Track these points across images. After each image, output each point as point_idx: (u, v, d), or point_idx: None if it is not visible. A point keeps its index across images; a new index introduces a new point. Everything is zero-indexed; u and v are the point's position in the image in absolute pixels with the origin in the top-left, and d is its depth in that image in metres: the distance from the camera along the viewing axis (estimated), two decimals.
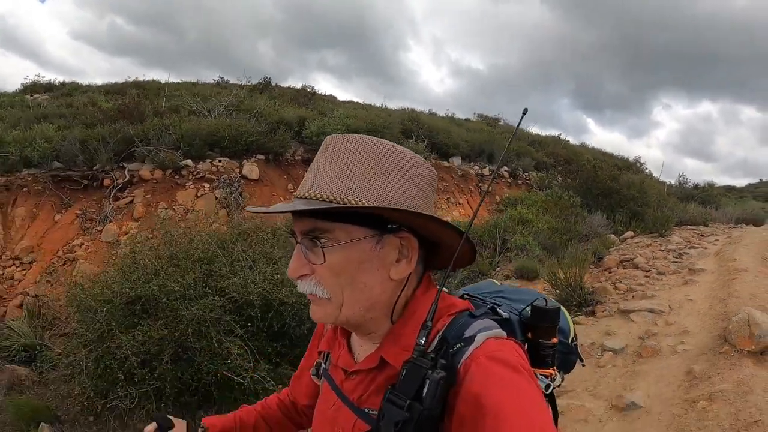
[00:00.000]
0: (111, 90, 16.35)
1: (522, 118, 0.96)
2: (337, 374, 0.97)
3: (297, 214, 0.82)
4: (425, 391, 0.73)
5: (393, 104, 16.39)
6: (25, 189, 9.06)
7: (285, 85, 18.68)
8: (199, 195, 8.54)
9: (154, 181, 8.68)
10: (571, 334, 1.08)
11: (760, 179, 45.87)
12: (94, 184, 9.05)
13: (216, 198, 8.47)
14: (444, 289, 0.89)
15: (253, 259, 4.71)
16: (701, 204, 13.78)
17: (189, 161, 8.89)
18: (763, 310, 4.01)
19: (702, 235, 9.43)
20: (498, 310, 0.93)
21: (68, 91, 16.59)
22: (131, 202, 8.52)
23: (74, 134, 9.52)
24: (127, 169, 8.93)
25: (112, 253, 7.04)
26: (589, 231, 9.12)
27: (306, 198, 0.80)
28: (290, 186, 9.48)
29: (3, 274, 7.96)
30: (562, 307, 1.00)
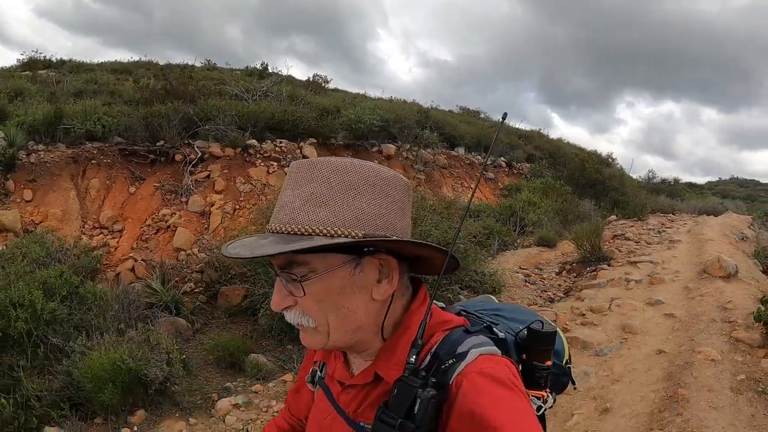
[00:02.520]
0: (117, 69, 18.15)
1: (502, 122, 1.13)
2: (333, 385, 1.05)
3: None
4: (416, 409, 0.80)
5: (360, 92, 18.98)
6: (93, 161, 10.89)
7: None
8: (269, 172, 10.79)
9: (227, 158, 10.86)
10: (566, 357, 1.18)
11: (719, 178, 53.38)
12: (162, 159, 11.09)
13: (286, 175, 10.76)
14: (440, 304, 1.04)
15: None
16: (669, 196, 17.38)
17: (254, 141, 11.15)
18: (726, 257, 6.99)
19: (672, 221, 12.72)
20: (494, 329, 1.01)
21: (70, 68, 18.10)
22: (208, 176, 10.62)
23: (139, 111, 11.55)
24: (195, 146, 11.10)
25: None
26: (582, 214, 12.13)
27: (278, 232, 0.86)
28: (351, 155, 11.91)
29: (94, 241, 9.74)
30: (558, 330, 1.10)
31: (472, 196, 1.31)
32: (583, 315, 5.90)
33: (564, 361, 1.16)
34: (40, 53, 20.16)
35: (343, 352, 1.04)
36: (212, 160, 10.96)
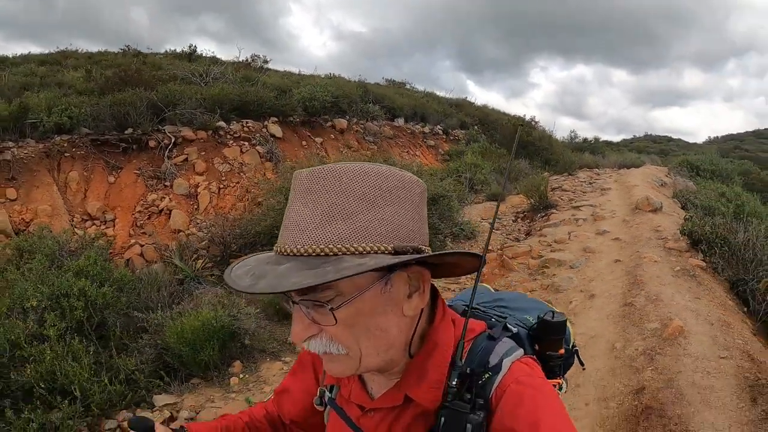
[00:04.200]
0: (45, 61, 18.53)
1: (518, 135, 1.53)
2: (351, 409, 1.02)
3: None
4: None
5: (276, 68, 20.39)
6: (67, 154, 11.55)
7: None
8: (243, 151, 12.06)
9: (201, 140, 12.03)
10: (572, 341, 1.25)
11: (634, 135, 58.94)
12: (134, 146, 12.07)
13: (258, 153, 12.13)
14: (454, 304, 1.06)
15: None
16: (591, 153, 19.97)
17: (222, 123, 12.39)
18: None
19: (598, 174, 15.10)
20: (508, 326, 1.02)
21: None
22: (186, 159, 11.77)
23: (104, 100, 12.46)
24: (166, 131, 12.20)
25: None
26: (520, 171, 14.24)
27: (293, 255, 0.80)
28: (303, 143, 13.31)
29: (89, 232, 10.11)
30: (567, 319, 1.15)
31: (489, 239, 1.00)
32: (550, 245, 7.85)
33: (571, 346, 1.23)
34: None
35: None
36: (186, 143, 12.12)
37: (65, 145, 11.58)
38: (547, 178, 11.92)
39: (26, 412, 3.88)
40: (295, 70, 21.54)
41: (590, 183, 13.15)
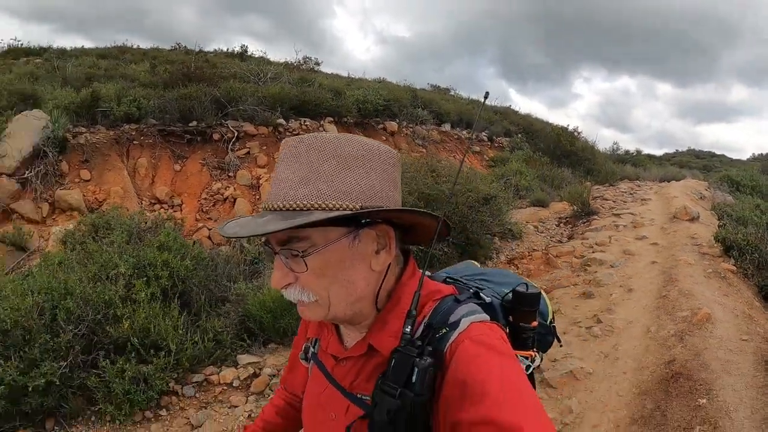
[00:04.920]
0: (104, 55, 19.79)
1: (484, 100, 1.31)
2: (327, 360, 1.14)
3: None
4: (414, 378, 0.88)
5: (323, 71, 21.37)
6: (135, 142, 12.57)
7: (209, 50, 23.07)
8: None
9: (262, 135, 13.00)
10: (549, 316, 1.35)
11: (676, 149, 59.26)
12: (198, 138, 13.06)
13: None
14: (427, 273, 1.08)
15: None
16: (633, 166, 20.57)
17: (282, 120, 13.33)
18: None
19: (639, 186, 15.72)
20: (481, 294, 1.13)
21: (56, 55, 19.42)
22: (248, 153, 12.74)
23: (171, 94, 13.44)
24: (229, 125, 13.17)
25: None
26: (564, 180, 14.92)
27: (276, 210, 0.93)
28: (361, 133, 14.22)
29: (160, 214, 11.05)
30: (542, 292, 1.25)
31: (462, 161, 1.55)
32: (592, 247, 8.56)
33: (548, 321, 1.34)
34: (18, 41, 21.53)
35: (336, 325, 1.15)
36: (248, 138, 13.09)
37: (134, 133, 12.54)
38: (589, 187, 12.63)
39: (120, 363, 4.33)
40: (340, 72, 22.56)
41: (631, 193, 13.82)
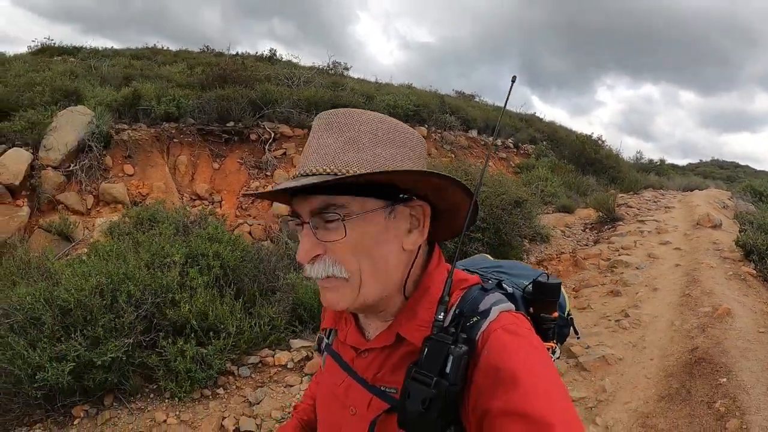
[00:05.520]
0: (136, 55, 20.54)
1: (512, 85, 1.16)
2: (345, 351, 1.13)
3: (305, 191, 0.94)
4: (449, 366, 0.87)
5: (350, 75, 21.96)
6: (175, 140, 13.19)
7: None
8: None
9: (298, 137, 13.63)
10: (567, 308, 1.37)
11: (700, 159, 59.48)
12: (236, 138, 13.70)
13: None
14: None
15: None
16: (657, 175, 21.10)
17: None
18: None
19: (663, 195, 16.21)
20: (503, 284, 1.13)
21: (89, 55, 20.12)
22: (284, 153, 13.36)
23: (210, 95, 14.10)
24: (266, 126, 13.82)
25: None
26: (589, 187, 15.45)
27: (312, 174, 0.93)
28: None
29: (203, 209, 11.74)
30: (561, 283, 1.25)
31: (487, 160, 1.39)
32: (617, 251, 9.11)
33: (566, 313, 1.36)
34: (52, 41, 22.32)
35: (355, 316, 1.13)
36: (284, 139, 13.71)
37: (173, 131, 13.08)
38: (615, 193, 13.18)
39: (180, 343, 4.59)
40: (365, 77, 23.16)
41: (655, 202, 14.35)
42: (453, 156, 15.63)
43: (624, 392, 4.62)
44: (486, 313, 0.94)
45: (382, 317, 1.06)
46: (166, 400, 4.73)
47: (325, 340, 1.22)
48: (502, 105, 1.17)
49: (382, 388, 1.01)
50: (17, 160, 9.83)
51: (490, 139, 18.32)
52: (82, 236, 9.72)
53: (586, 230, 11.74)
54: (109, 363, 4.44)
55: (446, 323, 0.96)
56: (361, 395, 1.04)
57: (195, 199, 12.26)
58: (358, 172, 0.90)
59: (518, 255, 8.90)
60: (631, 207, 13.41)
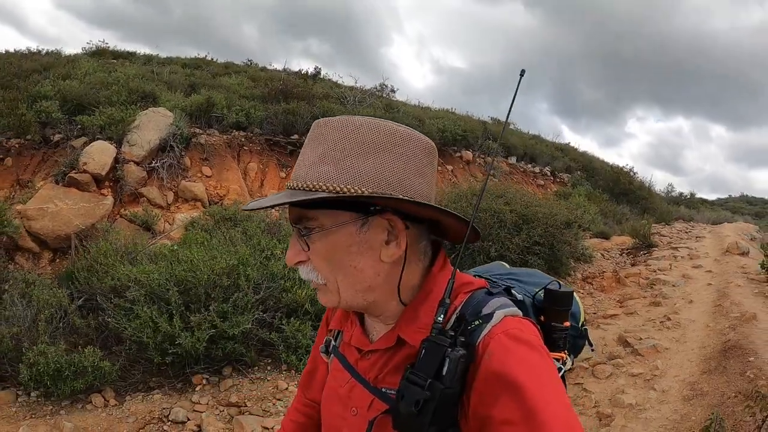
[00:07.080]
0: (188, 64, 22.09)
1: (520, 79, 1.16)
2: (350, 353, 1.15)
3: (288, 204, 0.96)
4: (445, 369, 0.88)
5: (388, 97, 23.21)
6: (245, 147, 14.45)
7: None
8: None
9: None
10: (581, 319, 1.33)
11: (729, 195, 60.70)
12: (299, 151, 15.12)
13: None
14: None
15: None
16: (687, 207, 22.69)
17: None
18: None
19: (693, 226, 17.74)
20: (512, 291, 1.13)
21: (144, 61, 21.56)
22: None
23: (277, 108, 15.47)
24: None
25: None
26: (624, 216, 16.98)
27: (292, 188, 0.98)
28: (438, 168, 16.22)
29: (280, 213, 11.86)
30: (574, 293, 1.24)
31: (491, 169, 1.11)
32: (655, 271, 10.62)
33: (580, 323, 1.32)
34: (106, 43, 23.67)
35: (361, 318, 1.16)
36: None
37: (243, 139, 14.38)
38: (650, 222, 14.75)
39: (297, 324, 5.31)
40: (407, 99, 24.60)
41: (686, 232, 15.93)
42: (497, 180, 17.18)
43: (673, 369, 6.11)
44: (489, 317, 0.95)
45: (384, 320, 1.09)
46: (284, 372, 5.54)
47: (333, 342, 1.25)
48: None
49: (383, 390, 1.03)
50: (103, 152, 10.67)
51: (529, 166, 19.88)
52: (163, 229, 10.68)
53: (623, 255, 13.24)
54: (240, 335, 5.09)
55: (448, 326, 0.98)
56: (363, 396, 1.07)
57: None
58: (324, 188, 0.93)
59: (567, 271, 10.37)
60: (664, 236, 14.93)
